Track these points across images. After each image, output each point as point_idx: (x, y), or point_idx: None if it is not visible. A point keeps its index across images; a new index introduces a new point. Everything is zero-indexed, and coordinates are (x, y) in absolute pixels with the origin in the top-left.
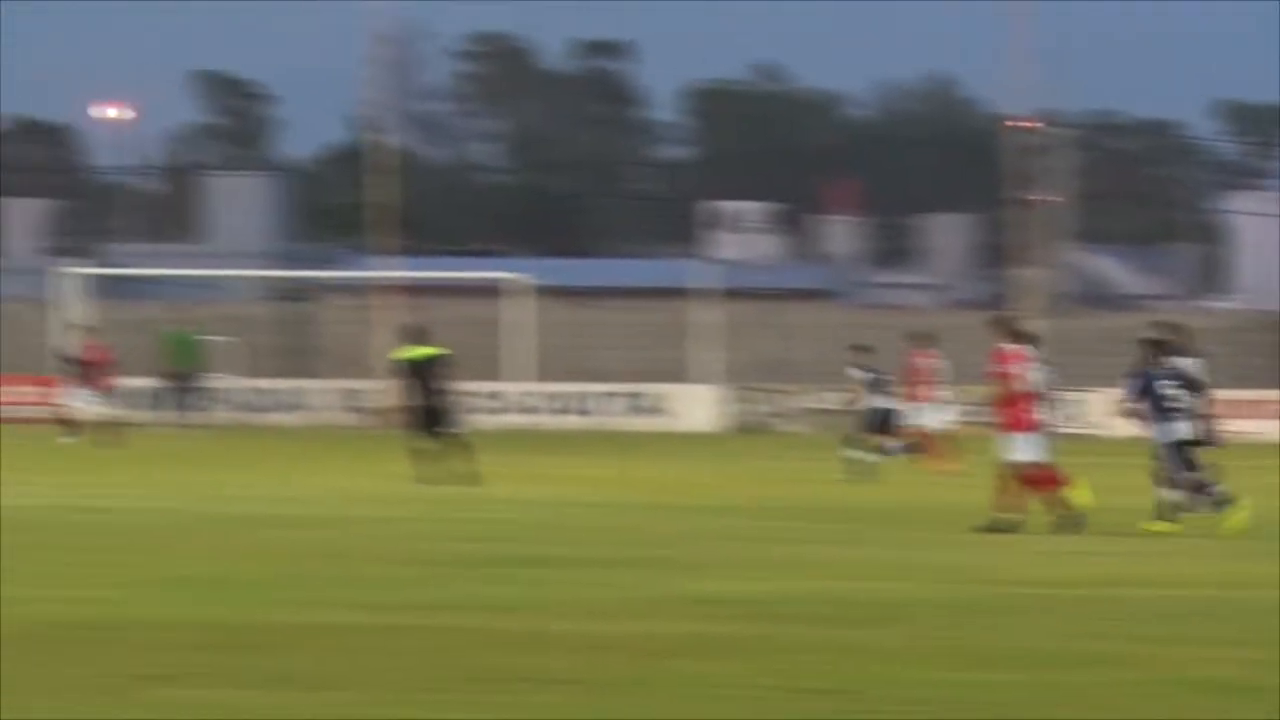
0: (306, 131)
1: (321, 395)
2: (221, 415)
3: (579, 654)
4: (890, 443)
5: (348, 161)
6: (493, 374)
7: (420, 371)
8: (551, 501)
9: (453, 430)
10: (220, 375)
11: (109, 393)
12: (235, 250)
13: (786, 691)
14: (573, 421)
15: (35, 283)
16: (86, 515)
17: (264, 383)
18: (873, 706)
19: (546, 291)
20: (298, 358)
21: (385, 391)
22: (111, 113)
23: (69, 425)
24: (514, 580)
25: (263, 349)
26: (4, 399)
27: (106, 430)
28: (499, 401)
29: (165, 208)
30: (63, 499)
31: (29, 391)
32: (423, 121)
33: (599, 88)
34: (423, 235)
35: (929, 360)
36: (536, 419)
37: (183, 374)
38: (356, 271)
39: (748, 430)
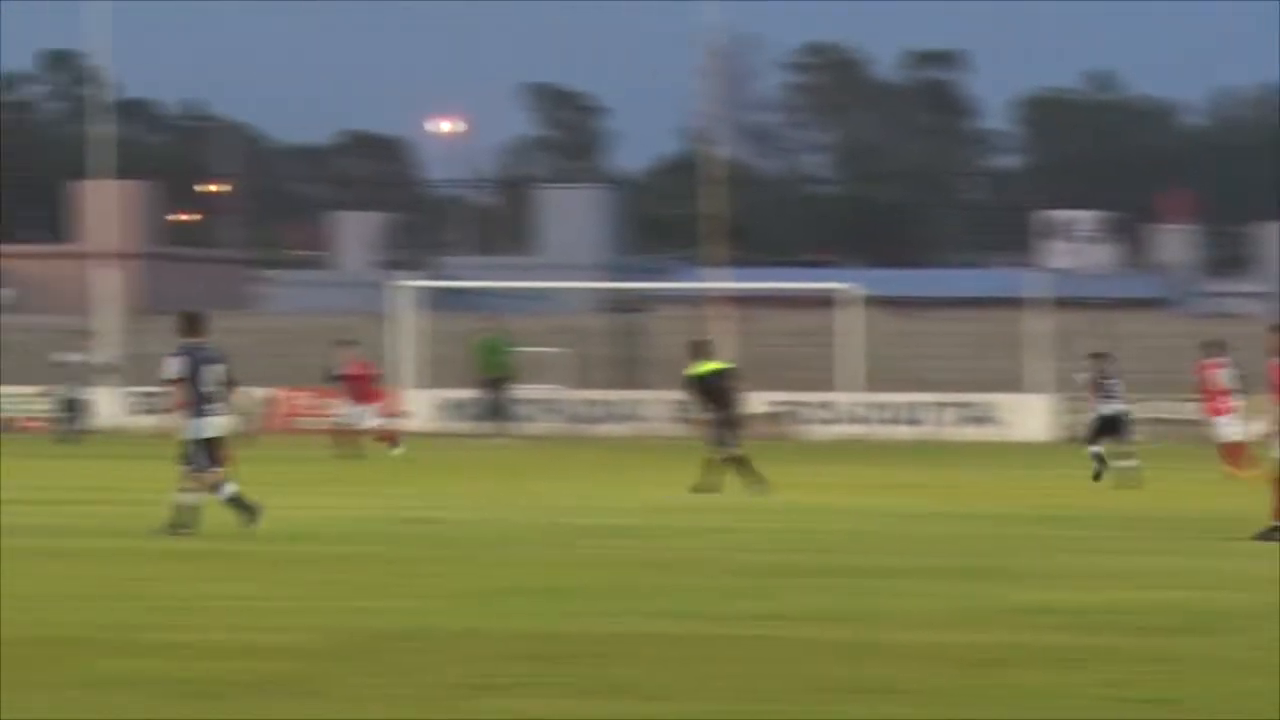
0: (638, 143)
1: (652, 406)
2: (550, 426)
3: (908, 664)
4: (1112, 448)
5: (679, 173)
6: (822, 385)
7: (711, 386)
8: (877, 511)
9: (739, 442)
10: (548, 386)
11: (375, 407)
12: (567, 262)
13: (1117, 702)
14: (903, 431)
15: (369, 296)
16: (411, 527)
17: (594, 394)
18: (1207, 717)
19: (876, 302)
20: (629, 369)
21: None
22: (445, 126)
23: (387, 438)
24: (840, 590)
25: (594, 360)
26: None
27: (352, 443)
28: (829, 412)
29: (497, 220)
30: (389, 511)
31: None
32: (753, 133)
33: (930, 98)
34: (753, 246)
35: (1219, 369)
36: (866, 429)
37: (495, 383)
38: (687, 283)
39: (1080, 440)
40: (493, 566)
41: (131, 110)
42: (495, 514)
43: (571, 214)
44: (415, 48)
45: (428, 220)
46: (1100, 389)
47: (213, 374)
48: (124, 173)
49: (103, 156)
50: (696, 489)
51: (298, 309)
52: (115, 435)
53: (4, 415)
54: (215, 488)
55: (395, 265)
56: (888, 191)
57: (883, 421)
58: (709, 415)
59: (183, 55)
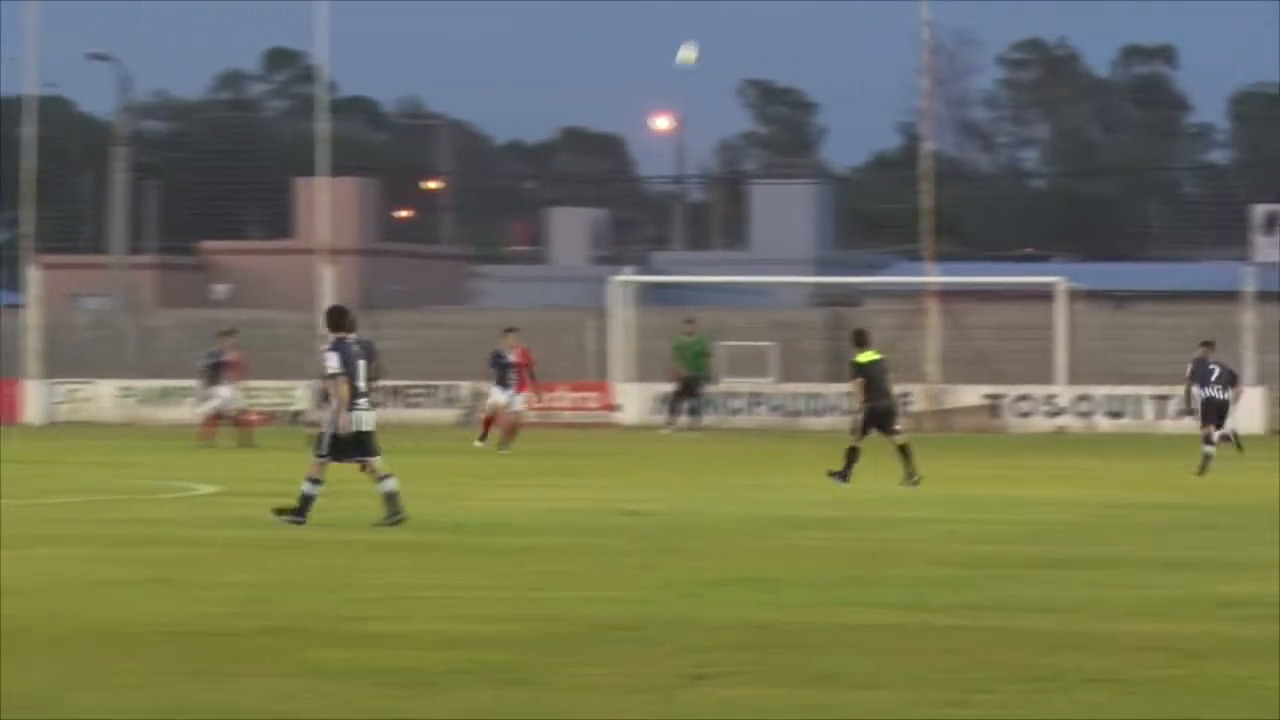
0: (852, 139)
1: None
2: (760, 419)
3: (1118, 654)
4: (1214, 433)
5: (892, 168)
6: (1031, 378)
7: (871, 374)
8: (1082, 502)
9: (898, 431)
10: (758, 379)
11: (532, 393)
12: (779, 257)
13: None
14: (1110, 424)
15: (583, 291)
16: (621, 519)
17: (805, 387)
18: None
19: (1086, 295)
20: (843, 362)
21: (930, 395)
22: (661, 123)
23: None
24: (1045, 581)
25: (805, 354)
26: (559, 405)
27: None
28: (1037, 404)
29: (712, 216)
30: (599, 503)
31: (580, 397)
32: (967, 128)
33: (1142, 93)
34: (965, 240)
35: None
36: (1073, 421)
37: (694, 378)
38: (901, 276)
39: None
40: (703, 558)
41: (352, 108)
42: (704, 506)
43: (784, 209)
44: (634, 46)
45: (643, 216)
46: (1205, 378)
47: (361, 369)
48: (345, 170)
49: (323, 154)
50: (833, 475)
51: (514, 303)
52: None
53: (234, 408)
54: (382, 479)
55: (610, 260)
56: (1100, 186)
57: (1090, 414)
58: (870, 403)
59: (403, 55)
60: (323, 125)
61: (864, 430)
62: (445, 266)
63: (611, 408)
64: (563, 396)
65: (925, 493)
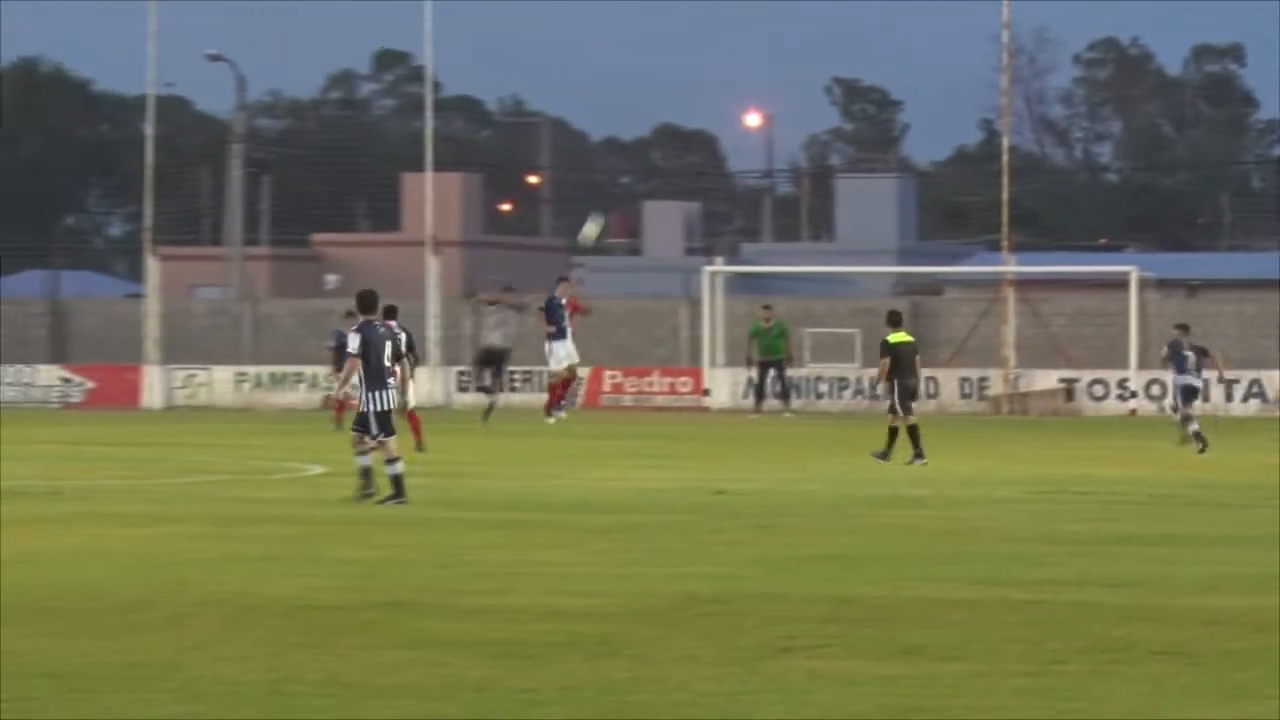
0: (935, 134)
1: (944, 384)
2: (845, 403)
3: (1187, 628)
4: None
5: (972, 162)
6: (1104, 363)
7: (900, 354)
8: (1154, 481)
9: (912, 411)
10: (844, 365)
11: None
12: (865, 248)
13: None
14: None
15: (676, 280)
16: (714, 498)
17: None
18: None
19: (1160, 284)
20: (924, 349)
21: (1006, 380)
22: (751, 120)
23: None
24: (1119, 558)
25: None
26: (652, 389)
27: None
28: (1112, 388)
29: (800, 208)
30: (693, 483)
31: (672, 382)
32: (1045, 123)
33: (1212, 90)
34: (1043, 231)
35: None
36: (1145, 404)
37: (770, 365)
38: (980, 266)
39: None
40: (792, 534)
41: (457, 106)
42: (791, 486)
43: (869, 202)
44: (725, 46)
45: (733, 208)
46: (1182, 362)
47: (386, 350)
48: (449, 165)
49: (429, 150)
50: (911, 459)
51: (611, 293)
52: (439, 412)
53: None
54: (362, 454)
55: (701, 251)
56: (1171, 179)
57: (1161, 398)
58: (895, 382)
59: (505, 55)
60: (429, 123)
61: (899, 410)
62: (544, 257)
63: (703, 392)
64: (655, 381)
65: (1003, 472)
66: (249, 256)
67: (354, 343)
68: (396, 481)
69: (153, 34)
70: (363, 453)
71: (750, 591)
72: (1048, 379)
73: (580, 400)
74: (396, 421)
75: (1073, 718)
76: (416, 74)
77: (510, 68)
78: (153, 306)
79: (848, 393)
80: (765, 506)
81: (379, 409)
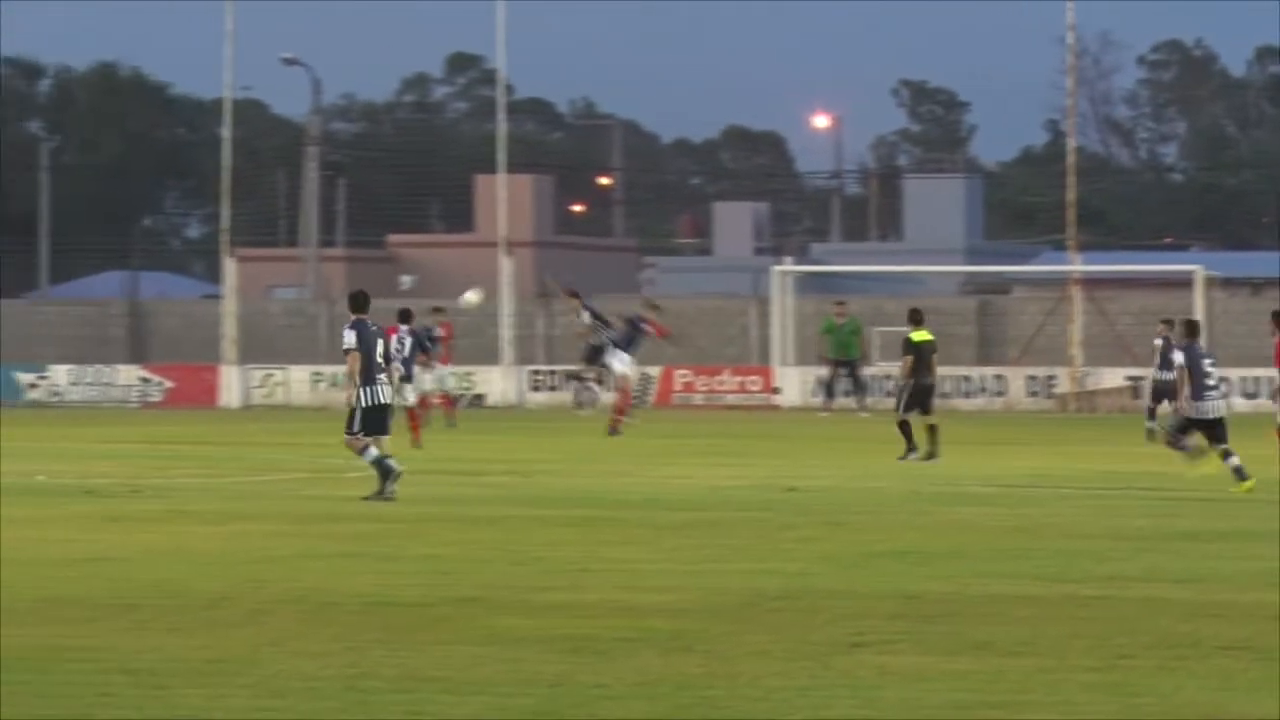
0: (1002, 135)
1: (1012, 382)
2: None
3: (1254, 623)
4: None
5: (1038, 163)
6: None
7: (921, 353)
8: (1221, 479)
9: (932, 410)
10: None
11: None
12: (933, 247)
13: None
14: (1245, 404)
15: (746, 280)
16: (784, 495)
17: (956, 370)
18: None
19: (1225, 282)
20: (992, 347)
21: (1074, 378)
22: (819, 121)
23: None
24: (1186, 554)
25: (957, 338)
26: (723, 388)
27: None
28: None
29: (868, 209)
30: (764, 480)
31: (742, 381)
32: (1110, 124)
33: (1276, 91)
34: (1108, 231)
35: None
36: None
37: (842, 364)
38: (1047, 265)
39: None
40: (862, 531)
41: (529, 109)
42: (860, 483)
43: (936, 202)
44: (794, 48)
45: (801, 209)
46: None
47: (377, 348)
48: (522, 167)
49: (502, 152)
50: (925, 457)
51: (681, 292)
52: (512, 411)
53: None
54: (363, 450)
55: (771, 251)
56: (1235, 179)
57: (1227, 395)
58: (914, 380)
59: (577, 58)
60: (501, 125)
61: (908, 407)
62: (616, 258)
63: (773, 391)
64: (726, 380)
65: (1071, 470)
66: (325, 257)
67: (351, 338)
68: (384, 468)
69: (229, 37)
70: (364, 448)
71: (820, 588)
72: (1114, 377)
73: (652, 399)
74: (394, 422)
75: (1140, 714)
76: (489, 77)
77: (581, 70)
78: (230, 307)
79: None
80: (835, 503)
81: (366, 404)
